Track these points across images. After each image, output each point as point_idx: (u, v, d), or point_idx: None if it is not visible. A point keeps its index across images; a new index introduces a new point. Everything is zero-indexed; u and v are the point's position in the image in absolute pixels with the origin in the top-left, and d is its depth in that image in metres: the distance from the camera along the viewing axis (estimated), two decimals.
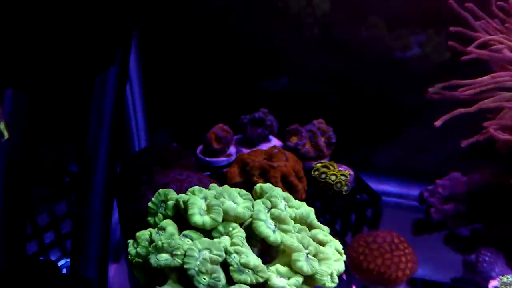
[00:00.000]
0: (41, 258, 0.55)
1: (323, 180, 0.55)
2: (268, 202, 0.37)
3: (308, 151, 0.61)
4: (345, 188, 0.56)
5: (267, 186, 0.39)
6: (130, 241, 0.38)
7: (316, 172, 0.56)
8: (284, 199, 0.38)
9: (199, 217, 0.36)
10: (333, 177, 0.56)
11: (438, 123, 0.46)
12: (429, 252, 0.55)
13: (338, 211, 0.57)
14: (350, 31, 0.81)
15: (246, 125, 0.63)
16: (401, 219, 0.66)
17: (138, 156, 0.57)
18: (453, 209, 0.55)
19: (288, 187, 0.53)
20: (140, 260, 0.37)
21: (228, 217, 0.36)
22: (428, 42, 0.77)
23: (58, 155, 0.59)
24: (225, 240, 0.35)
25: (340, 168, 0.57)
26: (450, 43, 0.51)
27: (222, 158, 0.64)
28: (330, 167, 0.56)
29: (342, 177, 0.55)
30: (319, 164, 0.57)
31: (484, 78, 0.50)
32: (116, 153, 0.46)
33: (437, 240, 0.58)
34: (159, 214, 0.40)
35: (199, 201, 0.37)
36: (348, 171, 0.57)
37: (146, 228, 0.40)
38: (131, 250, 0.38)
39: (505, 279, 0.46)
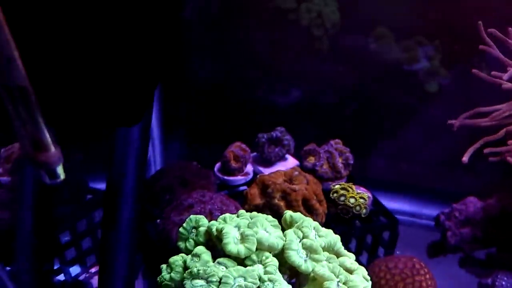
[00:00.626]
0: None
1: (342, 203, 0.56)
2: (300, 232, 0.38)
3: (326, 172, 0.62)
4: (364, 211, 0.57)
5: (297, 216, 0.40)
6: (163, 266, 0.39)
7: (335, 195, 0.57)
8: (314, 228, 0.39)
9: (233, 246, 0.37)
10: (352, 200, 0.57)
11: (465, 158, 0.47)
12: (445, 275, 0.56)
13: (356, 233, 0.58)
14: (360, 42, 0.83)
15: (263, 144, 0.64)
16: (414, 238, 0.67)
17: (159, 177, 0.58)
18: (469, 233, 0.56)
19: (309, 210, 0.54)
20: (173, 285, 0.38)
21: (261, 247, 0.37)
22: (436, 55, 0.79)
23: (79, 172, 0.60)
24: (259, 268, 0.36)
25: (358, 191, 0.58)
26: (474, 71, 0.52)
27: (239, 177, 0.65)
28: (349, 189, 0.57)
29: (361, 200, 0.56)
30: (337, 186, 0.58)
31: (503, 105, 0.51)
32: (140, 200, 0.46)
33: (452, 262, 0.59)
34: (190, 240, 0.40)
35: (233, 230, 0.38)
36: (366, 194, 0.58)
37: (173, 252, 0.41)
38: (165, 275, 0.39)
39: None
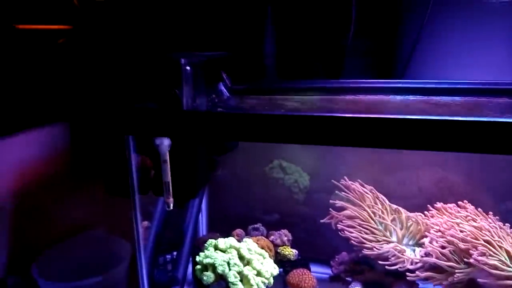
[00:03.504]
0: None
1: (281, 253, 1.22)
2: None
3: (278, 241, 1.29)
4: (292, 258, 1.22)
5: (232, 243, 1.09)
6: None
7: (279, 250, 1.23)
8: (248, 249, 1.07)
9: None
10: (286, 253, 1.22)
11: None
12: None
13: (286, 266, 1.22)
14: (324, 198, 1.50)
15: (250, 230, 1.34)
16: None
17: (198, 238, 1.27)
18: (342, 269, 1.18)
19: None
20: None
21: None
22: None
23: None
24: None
25: (291, 250, 1.24)
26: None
27: None
28: (285, 249, 1.24)
29: (291, 253, 1.22)
30: (280, 247, 1.25)
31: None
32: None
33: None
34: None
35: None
36: (294, 251, 1.23)
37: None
38: None
39: None
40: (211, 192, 1.39)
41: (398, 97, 1.27)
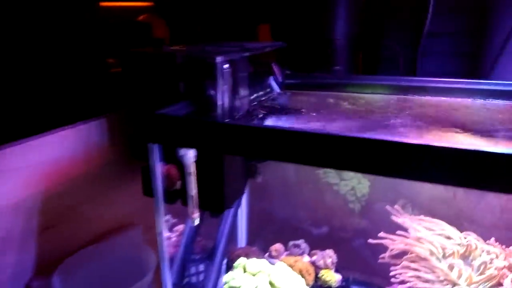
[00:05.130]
0: None
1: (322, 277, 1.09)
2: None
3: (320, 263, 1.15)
4: (333, 284, 1.07)
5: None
6: None
7: (319, 275, 1.10)
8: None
9: None
10: (327, 278, 1.08)
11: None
12: None
13: None
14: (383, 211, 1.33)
15: (290, 247, 1.21)
16: None
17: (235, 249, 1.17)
18: None
19: (302, 275, 1.07)
20: None
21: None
22: None
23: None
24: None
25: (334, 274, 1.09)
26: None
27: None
28: (326, 273, 1.09)
29: (333, 279, 1.08)
30: (322, 271, 1.11)
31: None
32: None
33: None
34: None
35: None
36: (336, 276, 1.09)
37: None
38: None
39: None
40: (253, 199, 1.28)
41: (479, 101, 1.07)
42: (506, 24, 1.30)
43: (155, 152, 0.90)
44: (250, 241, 1.31)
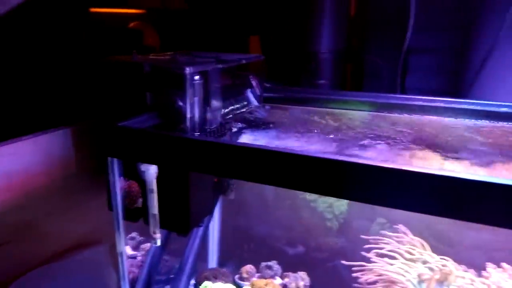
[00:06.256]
0: None
1: None
2: None
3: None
4: None
5: None
6: None
7: None
8: None
9: None
10: None
11: None
12: None
13: None
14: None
15: (262, 268, 1.15)
16: None
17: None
18: None
19: None
20: None
21: None
22: None
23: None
24: None
25: None
26: None
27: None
28: None
29: None
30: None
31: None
32: None
33: None
34: None
35: None
36: None
37: None
38: None
39: None
40: (226, 216, 1.22)
41: (449, 120, 1.04)
42: (487, 42, 1.27)
43: (115, 167, 0.84)
44: (222, 261, 1.25)
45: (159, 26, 2.04)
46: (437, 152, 0.82)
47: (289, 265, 1.20)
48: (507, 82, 1.29)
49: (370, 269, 0.96)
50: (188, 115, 0.88)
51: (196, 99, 0.88)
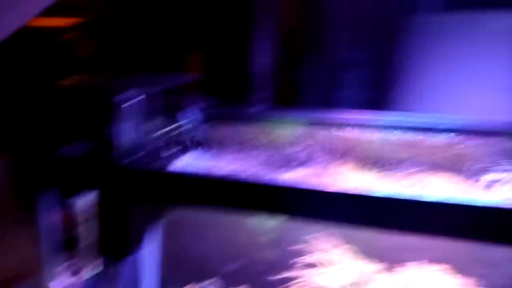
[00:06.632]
0: None
1: None
2: None
3: None
4: None
5: None
6: None
7: None
8: None
9: None
10: None
11: None
12: None
13: None
14: None
15: None
16: None
17: None
18: None
19: None
20: None
21: None
22: None
23: None
24: None
25: None
26: None
27: None
28: None
29: None
30: None
31: None
32: None
33: None
34: None
35: None
36: None
37: None
38: None
39: None
40: (164, 239, 1.21)
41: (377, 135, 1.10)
42: (408, 55, 1.37)
43: (46, 198, 0.82)
44: (164, 282, 1.24)
45: (96, 38, 2.00)
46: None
47: (231, 282, 1.21)
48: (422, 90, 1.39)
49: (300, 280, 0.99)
50: (118, 142, 0.87)
51: (126, 124, 0.88)
